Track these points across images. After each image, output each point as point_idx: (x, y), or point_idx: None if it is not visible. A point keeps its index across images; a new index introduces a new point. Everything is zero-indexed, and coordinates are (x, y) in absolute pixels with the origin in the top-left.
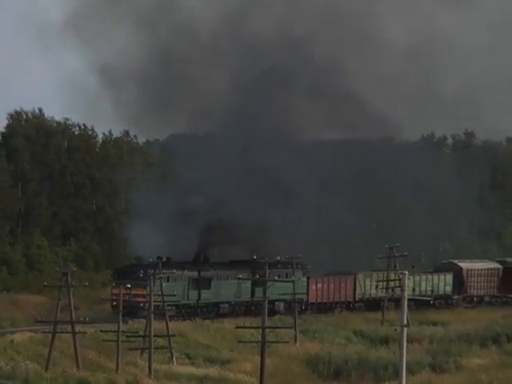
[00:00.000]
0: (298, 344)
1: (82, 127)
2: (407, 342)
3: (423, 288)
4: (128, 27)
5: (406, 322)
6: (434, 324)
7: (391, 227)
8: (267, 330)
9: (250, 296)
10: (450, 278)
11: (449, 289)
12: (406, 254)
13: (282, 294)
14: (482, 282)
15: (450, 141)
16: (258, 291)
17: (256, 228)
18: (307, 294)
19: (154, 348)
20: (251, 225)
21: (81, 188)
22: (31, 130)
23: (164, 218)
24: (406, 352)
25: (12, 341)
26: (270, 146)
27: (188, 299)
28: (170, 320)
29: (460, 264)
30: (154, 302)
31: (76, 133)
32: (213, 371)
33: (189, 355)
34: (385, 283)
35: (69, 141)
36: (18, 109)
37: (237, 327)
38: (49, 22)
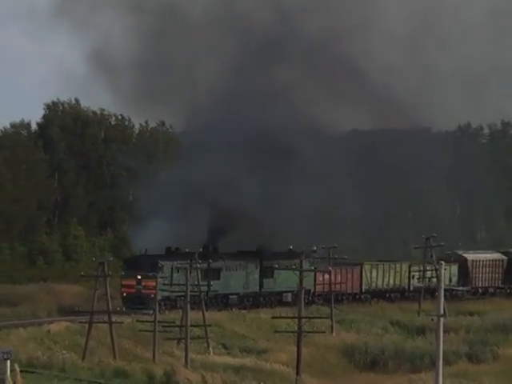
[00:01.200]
0: (334, 334)
1: (119, 117)
2: (444, 331)
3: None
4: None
5: (442, 311)
6: (471, 314)
7: (427, 217)
8: (303, 319)
9: (258, 287)
10: (455, 269)
11: (454, 280)
12: (442, 244)
13: (290, 285)
14: (486, 273)
15: (486, 131)
16: (267, 282)
17: (272, 216)
18: (314, 285)
19: (191, 338)
20: (266, 212)
21: (117, 178)
22: (68, 120)
23: (172, 205)
24: (443, 342)
25: (49, 331)
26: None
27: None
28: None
29: (465, 255)
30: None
31: (112, 123)
32: (249, 361)
33: (225, 345)
34: (421, 273)
35: (105, 131)
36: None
37: (273, 317)
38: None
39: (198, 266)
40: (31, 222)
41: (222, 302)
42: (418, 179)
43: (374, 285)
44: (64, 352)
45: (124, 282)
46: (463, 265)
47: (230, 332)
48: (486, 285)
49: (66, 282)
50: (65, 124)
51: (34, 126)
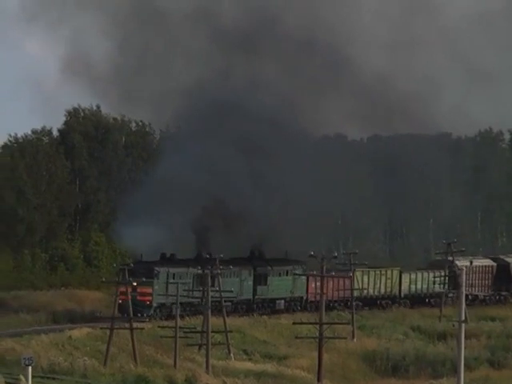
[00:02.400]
0: (355, 340)
1: (140, 123)
2: (465, 337)
3: (419, 286)
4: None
5: (464, 317)
6: (492, 319)
7: (448, 223)
8: (324, 325)
9: (251, 294)
10: None
11: (445, 286)
12: (463, 249)
13: (283, 292)
14: (476, 279)
15: (507, 136)
16: (260, 290)
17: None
18: (307, 292)
19: (212, 344)
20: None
21: (138, 184)
22: (89, 126)
23: (161, 209)
24: (464, 347)
25: (70, 336)
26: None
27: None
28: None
29: (455, 261)
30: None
31: (133, 129)
32: (270, 367)
33: (246, 351)
34: (442, 279)
35: (126, 137)
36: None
37: (294, 323)
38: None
39: (191, 272)
40: (52, 228)
41: (216, 308)
42: (438, 185)
43: (365, 292)
44: (85, 358)
45: (120, 289)
46: (453, 271)
47: (251, 338)
48: (476, 291)
49: (87, 288)
50: (86, 130)
51: (55, 133)
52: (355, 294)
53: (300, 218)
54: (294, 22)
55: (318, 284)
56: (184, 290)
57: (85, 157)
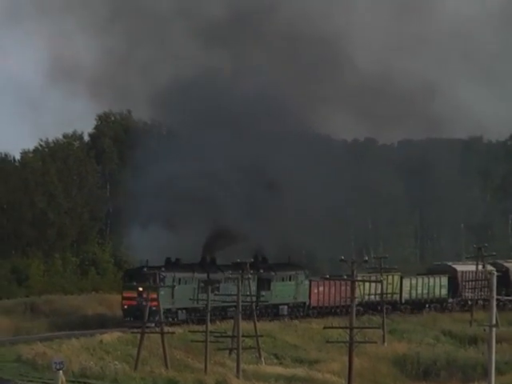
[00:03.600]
0: (386, 344)
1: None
2: (496, 341)
3: (419, 291)
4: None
5: (494, 321)
6: None
7: (479, 226)
8: (355, 330)
9: (255, 299)
10: (445, 280)
11: (444, 292)
12: (494, 253)
13: (286, 298)
14: (475, 285)
15: None
16: (263, 295)
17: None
18: (309, 297)
19: (242, 348)
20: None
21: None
22: (119, 130)
23: (161, 212)
24: (495, 352)
25: (101, 341)
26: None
27: (197, 303)
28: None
29: (454, 266)
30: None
31: (164, 133)
32: (301, 371)
33: (277, 355)
34: (472, 283)
35: (156, 141)
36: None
37: (325, 327)
38: None
39: (197, 277)
40: (83, 232)
41: (220, 314)
42: (469, 189)
43: (366, 297)
44: (116, 362)
45: (125, 294)
46: (453, 276)
47: (282, 342)
48: (476, 297)
49: (117, 292)
50: (116, 134)
51: (86, 137)
52: (357, 299)
53: (326, 222)
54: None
55: (321, 289)
56: (190, 299)
57: (115, 161)
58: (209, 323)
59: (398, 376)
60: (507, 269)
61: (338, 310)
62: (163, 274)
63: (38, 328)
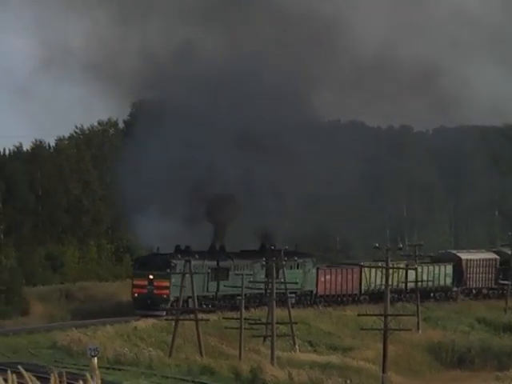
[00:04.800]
0: (420, 331)
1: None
2: None
3: (425, 280)
4: None
5: None
6: None
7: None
8: (389, 317)
9: (263, 288)
10: (450, 269)
11: (449, 280)
12: None
13: (294, 287)
14: (480, 273)
15: None
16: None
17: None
18: (316, 286)
19: (277, 335)
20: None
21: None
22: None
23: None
24: None
25: (136, 328)
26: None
27: (208, 291)
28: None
29: (459, 254)
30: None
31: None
32: (335, 358)
33: (311, 342)
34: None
35: None
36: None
37: (359, 315)
38: None
39: (207, 264)
40: (118, 219)
41: (229, 303)
42: (503, 176)
43: (372, 286)
44: (151, 349)
45: (135, 282)
46: (458, 265)
47: (316, 329)
48: (480, 285)
49: None
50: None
51: (121, 124)
52: (363, 288)
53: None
54: None
55: (328, 278)
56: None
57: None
58: (243, 310)
59: (432, 363)
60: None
61: (345, 299)
62: (174, 261)
63: (72, 314)
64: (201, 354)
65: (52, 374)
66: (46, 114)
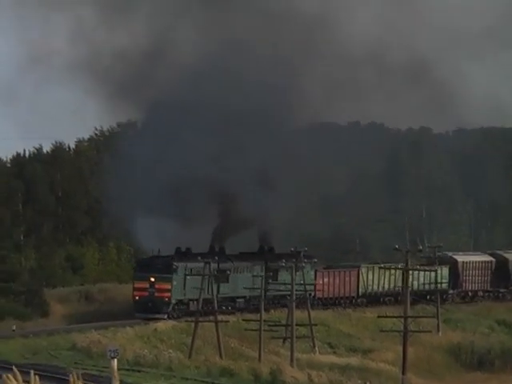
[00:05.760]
0: (440, 333)
1: None
2: None
3: (421, 282)
4: None
5: None
6: None
7: None
8: (409, 319)
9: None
10: (446, 271)
11: (445, 283)
12: None
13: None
14: (476, 275)
15: None
16: (272, 285)
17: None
18: (314, 288)
19: (296, 337)
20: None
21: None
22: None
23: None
24: None
25: (155, 329)
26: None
27: (208, 293)
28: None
29: (455, 257)
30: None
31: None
32: (354, 360)
33: (331, 344)
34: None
35: None
36: None
37: (379, 316)
38: None
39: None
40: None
41: (229, 305)
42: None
43: (370, 288)
44: (170, 351)
45: (136, 285)
46: (454, 267)
47: (336, 331)
48: (476, 288)
49: None
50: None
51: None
52: (360, 290)
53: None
54: None
55: (326, 280)
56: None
57: None
58: (263, 312)
59: (452, 365)
60: (507, 259)
61: (342, 302)
62: (176, 264)
63: (92, 316)
64: (220, 355)
65: (71, 375)
66: (33, 114)
